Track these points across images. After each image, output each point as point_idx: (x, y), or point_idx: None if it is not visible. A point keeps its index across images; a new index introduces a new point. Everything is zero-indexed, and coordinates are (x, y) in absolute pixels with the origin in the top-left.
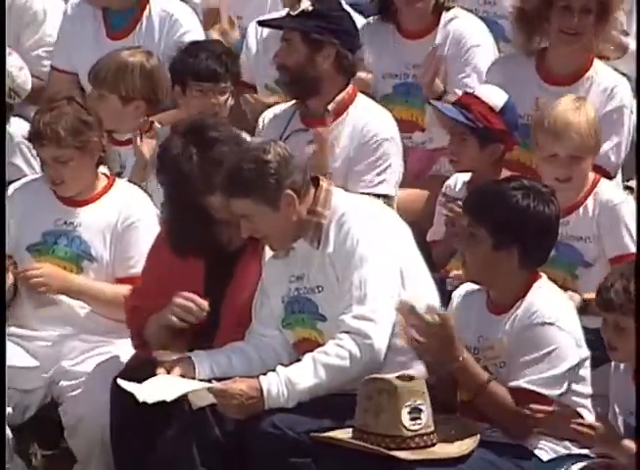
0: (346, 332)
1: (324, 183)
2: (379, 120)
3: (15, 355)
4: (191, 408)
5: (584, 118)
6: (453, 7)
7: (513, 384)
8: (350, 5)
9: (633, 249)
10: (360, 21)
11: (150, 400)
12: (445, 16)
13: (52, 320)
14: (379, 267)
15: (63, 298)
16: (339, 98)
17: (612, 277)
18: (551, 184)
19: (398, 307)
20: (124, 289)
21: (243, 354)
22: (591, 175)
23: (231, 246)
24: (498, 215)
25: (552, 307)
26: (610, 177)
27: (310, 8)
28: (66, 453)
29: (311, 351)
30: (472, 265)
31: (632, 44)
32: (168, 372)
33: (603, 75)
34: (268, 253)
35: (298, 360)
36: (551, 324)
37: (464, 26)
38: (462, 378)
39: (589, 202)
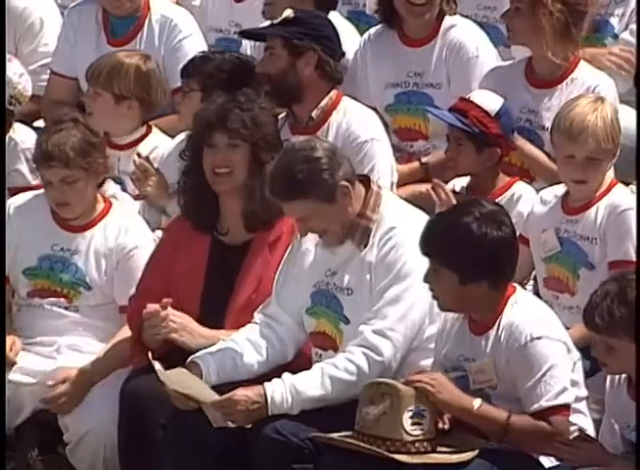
0: (359, 345)
1: (374, 186)
2: (360, 122)
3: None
4: (191, 411)
5: (601, 122)
6: (454, 14)
7: (534, 408)
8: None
9: (634, 257)
10: (351, 31)
11: (174, 387)
12: (445, 23)
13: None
14: (413, 290)
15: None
16: (322, 104)
17: (596, 297)
18: (567, 184)
19: None
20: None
21: (248, 357)
22: (608, 178)
23: (229, 238)
24: (458, 256)
25: (534, 321)
26: None
27: (292, 16)
28: (63, 458)
29: (325, 346)
30: (442, 299)
31: None
32: None
33: (586, 75)
34: (305, 240)
35: (300, 358)
36: (540, 338)
37: (464, 36)
38: (483, 425)
39: (600, 204)
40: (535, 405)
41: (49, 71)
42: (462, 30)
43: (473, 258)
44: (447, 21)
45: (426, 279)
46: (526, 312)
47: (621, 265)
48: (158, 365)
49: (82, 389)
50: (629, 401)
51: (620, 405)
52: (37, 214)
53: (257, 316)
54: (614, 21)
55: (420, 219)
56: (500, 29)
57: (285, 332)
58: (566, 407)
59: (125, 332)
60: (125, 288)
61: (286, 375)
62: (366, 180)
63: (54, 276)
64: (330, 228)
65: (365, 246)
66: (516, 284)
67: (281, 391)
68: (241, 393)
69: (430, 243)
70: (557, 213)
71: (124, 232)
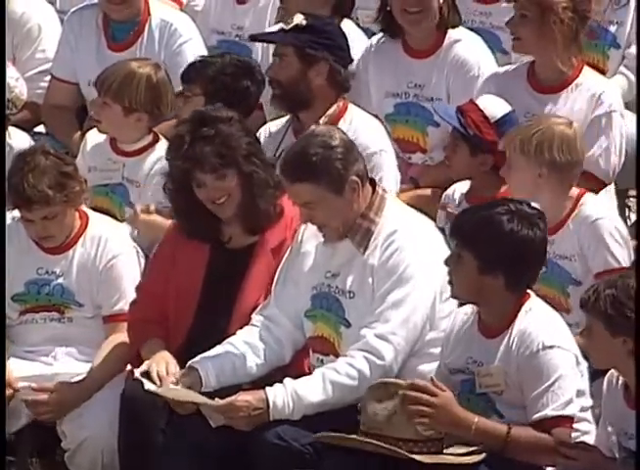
0: (361, 349)
1: (380, 190)
2: (368, 133)
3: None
4: (190, 416)
5: (560, 133)
6: (458, 26)
7: (539, 416)
8: None
9: (615, 264)
10: (363, 39)
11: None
12: (450, 36)
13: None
14: (415, 294)
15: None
16: (330, 112)
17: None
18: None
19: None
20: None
21: (247, 360)
22: (575, 192)
23: (231, 243)
24: (484, 242)
25: (547, 329)
26: (603, 184)
27: (304, 22)
28: (63, 462)
29: (325, 351)
30: (458, 285)
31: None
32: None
33: (591, 81)
34: (305, 239)
35: (298, 361)
36: (552, 347)
37: (467, 53)
38: (483, 440)
39: (571, 220)
40: (540, 413)
41: (47, 77)
42: (466, 47)
43: (495, 249)
44: (452, 34)
45: (446, 262)
46: (540, 320)
47: (606, 275)
48: (147, 385)
49: (68, 405)
50: (626, 408)
51: (617, 411)
52: (18, 239)
53: (255, 318)
54: (612, 28)
55: (423, 224)
56: (497, 35)
57: (283, 334)
58: (570, 419)
59: (109, 344)
60: (107, 298)
61: (287, 380)
62: (373, 183)
63: (43, 298)
64: (331, 222)
65: (365, 248)
66: (530, 291)
67: (282, 396)
68: (242, 398)
69: (460, 223)
70: None
71: (104, 242)
